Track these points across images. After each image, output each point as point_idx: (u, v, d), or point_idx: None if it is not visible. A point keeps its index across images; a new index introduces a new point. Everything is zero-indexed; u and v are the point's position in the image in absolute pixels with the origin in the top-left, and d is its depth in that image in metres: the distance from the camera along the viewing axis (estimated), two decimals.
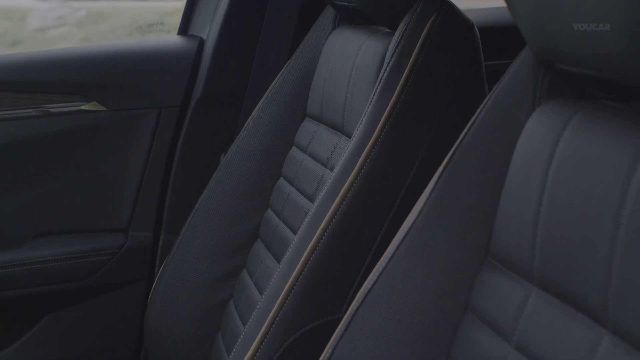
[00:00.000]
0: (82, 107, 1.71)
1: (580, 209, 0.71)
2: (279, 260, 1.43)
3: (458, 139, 0.92)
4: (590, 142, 0.72)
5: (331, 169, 1.37)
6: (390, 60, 1.24)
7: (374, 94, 1.24)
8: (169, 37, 1.97)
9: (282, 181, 1.56)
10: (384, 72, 1.24)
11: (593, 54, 0.68)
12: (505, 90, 0.89)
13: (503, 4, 0.83)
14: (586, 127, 0.74)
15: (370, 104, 1.24)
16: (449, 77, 1.25)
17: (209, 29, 1.83)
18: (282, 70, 1.61)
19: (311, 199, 1.41)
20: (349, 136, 1.36)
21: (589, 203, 0.70)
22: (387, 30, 1.39)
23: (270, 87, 1.61)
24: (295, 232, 1.36)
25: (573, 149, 0.74)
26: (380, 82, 1.24)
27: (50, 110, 1.69)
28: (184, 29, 1.94)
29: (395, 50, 1.24)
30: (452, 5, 1.26)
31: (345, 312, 1.05)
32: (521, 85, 0.87)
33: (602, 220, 0.68)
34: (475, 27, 1.28)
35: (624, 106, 0.75)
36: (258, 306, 1.24)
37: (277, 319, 1.19)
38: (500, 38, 1.48)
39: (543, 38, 0.75)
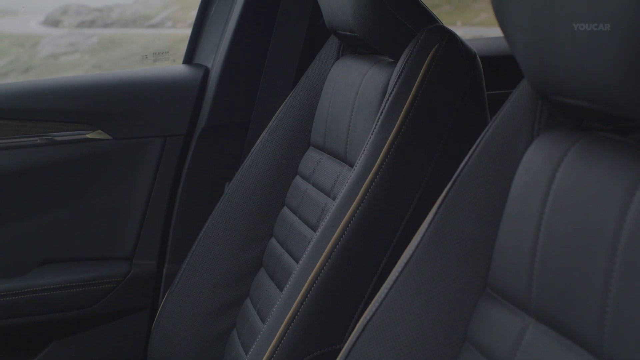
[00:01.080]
0: (87, 136, 1.72)
1: (576, 240, 0.71)
2: (281, 290, 1.43)
3: (457, 170, 0.92)
4: (587, 174, 0.72)
5: (334, 199, 1.37)
6: (392, 90, 1.25)
7: (376, 124, 1.24)
8: (175, 66, 1.98)
9: (285, 210, 1.56)
10: (386, 102, 1.25)
11: (588, 86, 0.68)
12: (503, 122, 0.89)
13: None
14: (583, 158, 0.74)
15: (372, 134, 1.24)
16: (451, 107, 1.25)
17: (214, 58, 1.85)
18: (286, 100, 1.62)
19: (314, 228, 1.41)
20: (351, 166, 1.36)
21: (585, 235, 0.70)
22: (390, 59, 1.39)
23: (274, 116, 1.61)
24: (298, 262, 1.36)
25: (570, 180, 0.74)
26: (382, 112, 1.24)
27: (55, 138, 1.70)
28: (189, 58, 1.95)
29: (397, 81, 1.25)
30: (454, 36, 1.27)
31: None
32: (520, 116, 0.88)
33: (598, 252, 0.68)
34: (478, 56, 1.28)
35: (621, 138, 0.74)
36: (259, 336, 1.24)
37: (277, 349, 1.19)
38: (504, 67, 1.48)
39: (540, 70, 0.76)
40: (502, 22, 0.80)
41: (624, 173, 0.68)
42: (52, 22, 4.54)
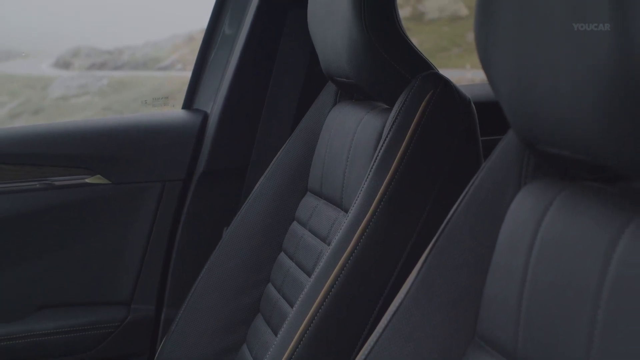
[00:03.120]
0: (86, 180, 1.73)
1: (561, 291, 0.70)
2: (277, 335, 1.42)
3: (446, 218, 0.92)
4: (572, 224, 0.72)
5: (329, 245, 1.37)
6: (386, 136, 1.25)
7: (370, 170, 1.25)
8: (174, 111, 2.00)
9: (282, 255, 1.56)
10: (380, 149, 1.25)
11: (570, 136, 0.68)
12: (491, 170, 0.89)
13: None
14: (568, 208, 0.74)
15: (366, 180, 1.24)
16: (446, 154, 1.26)
17: (213, 104, 1.86)
18: (284, 145, 1.63)
19: (310, 274, 1.40)
20: (347, 212, 1.36)
21: (569, 286, 0.69)
22: (386, 106, 1.40)
23: (272, 162, 1.62)
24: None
25: (555, 230, 0.74)
26: (376, 158, 1.25)
27: (54, 183, 1.71)
28: (188, 103, 1.96)
29: (391, 127, 1.25)
30: (448, 83, 1.28)
31: None
32: (507, 164, 0.88)
33: (582, 303, 0.67)
34: (472, 103, 1.29)
35: (606, 187, 0.74)
36: None
37: None
38: (499, 113, 1.48)
39: (524, 119, 0.76)
40: (487, 70, 0.81)
41: (608, 223, 0.68)
42: (63, 64, 4.58)
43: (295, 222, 1.56)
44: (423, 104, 1.25)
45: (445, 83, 1.27)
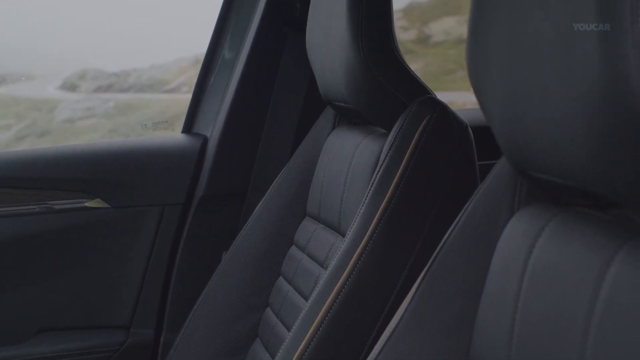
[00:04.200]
0: (86, 204, 1.73)
1: (552, 319, 0.70)
2: None
3: (440, 244, 0.91)
4: (562, 250, 0.71)
5: (327, 269, 1.37)
6: (383, 161, 1.25)
7: (367, 195, 1.24)
8: (173, 135, 2.00)
9: (281, 280, 1.56)
10: (377, 173, 1.25)
11: (560, 163, 0.68)
12: (485, 195, 0.89)
13: None
14: (560, 234, 0.73)
15: (363, 205, 1.24)
16: (442, 179, 1.26)
17: (213, 128, 1.86)
18: (283, 169, 1.63)
19: (307, 299, 1.40)
20: (345, 236, 1.36)
21: (560, 313, 0.69)
22: (384, 130, 1.40)
23: (271, 186, 1.62)
24: None
25: (546, 256, 0.73)
26: (373, 183, 1.25)
27: (54, 206, 1.71)
28: (188, 127, 1.97)
29: (388, 152, 1.25)
30: (445, 107, 1.28)
31: None
32: (501, 190, 0.87)
33: (572, 331, 0.67)
34: (469, 128, 1.29)
35: (598, 213, 0.74)
36: None
37: None
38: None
39: (515, 145, 0.76)
40: (479, 96, 0.81)
41: (599, 250, 0.67)
42: (69, 86, 4.59)
43: (293, 246, 1.56)
44: (420, 128, 1.25)
45: (442, 108, 1.27)
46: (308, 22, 1.51)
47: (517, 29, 0.69)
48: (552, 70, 0.64)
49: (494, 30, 0.74)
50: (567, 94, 0.63)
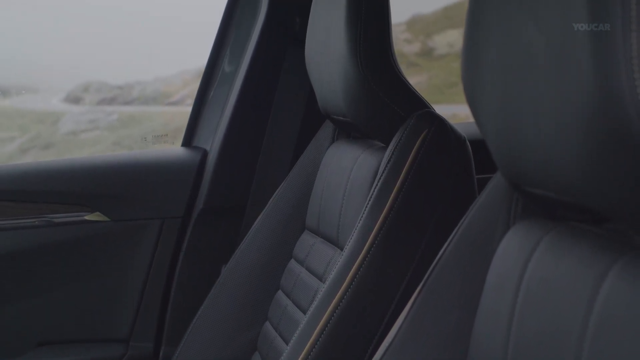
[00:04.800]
0: (85, 217, 1.73)
1: (546, 333, 0.70)
2: None
3: (436, 258, 0.91)
4: (557, 265, 0.71)
5: (325, 283, 1.36)
6: (381, 175, 1.25)
7: (365, 209, 1.24)
8: (173, 148, 2.00)
9: (280, 293, 1.56)
10: (375, 187, 1.25)
11: (554, 178, 0.68)
12: (481, 210, 0.89)
13: None
14: (555, 249, 0.73)
15: (361, 219, 1.24)
16: (440, 193, 1.25)
17: (212, 141, 1.86)
18: (282, 183, 1.63)
19: (306, 313, 1.39)
20: (343, 250, 1.35)
21: (554, 327, 0.69)
22: (383, 144, 1.40)
23: (271, 199, 1.62)
24: None
25: (541, 271, 0.73)
26: (371, 196, 1.24)
27: (54, 220, 1.71)
28: (188, 141, 1.97)
29: (386, 166, 1.25)
30: (443, 122, 1.28)
31: None
32: (496, 204, 0.87)
33: (567, 345, 0.66)
34: (467, 142, 1.29)
35: (593, 228, 0.74)
36: None
37: None
38: None
39: (509, 160, 0.76)
40: (473, 110, 0.81)
41: (592, 264, 0.67)
42: (73, 99, 4.60)
43: (292, 260, 1.56)
44: (418, 142, 1.25)
45: (440, 122, 1.27)
46: (307, 37, 1.51)
47: (511, 43, 0.69)
48: (546, 85, 0.64)
49: (488, 45, 0.74)
50: (561, 109, 0.62)
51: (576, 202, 0.68)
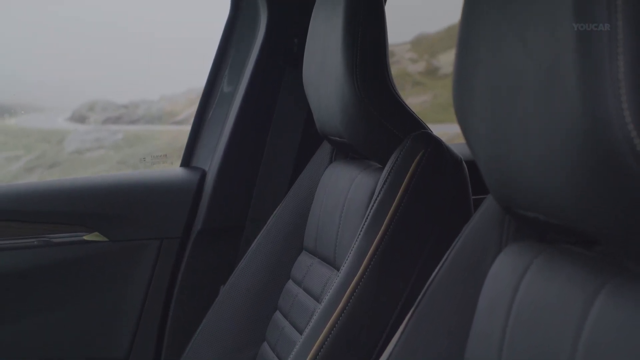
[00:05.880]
0: (84, 238, 1.73)
1: (536, 356, 0.69)
2: None
3: (427, 282, 0.91)
4: (547, 287, 0.71)
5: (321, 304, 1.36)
6: (377, 196, 1.25)
7: (361, 230, 1.24)
8: (172, 169, 2.00)
9: (277, 314, 1.55)
10: (371, 209, 1.24)
11: (544, 201, 0.68)
12: (473, 232, 0.89)
13: None
14: (545, 271, 0.73)
15: (357, 240, 1.24)
16: (437, 214, 1.25)
17: (211, 161, 1.86)
18: (280, 203, 1.63)
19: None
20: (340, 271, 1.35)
21: (544, 350, 0.68)
22: (380, 165, 1.40)
23: (269, 220, 1.62)
24: None
25: (532, 293, 0.73)
26: (367, 217, 1.24)
27: (53, 240, 1.71)
28: (186, 161, 1.97)
29: (382, 187, 1.25)
30: (439, 143, 1.27)
31: None
32: (489, 227, 0.87)
33: None
34: (464, 163, 1.28)
35: (583, 250, 0.74)
36: None
37: None
38: None
39: (500, 183, 0.75)
40: (465, 134, 0.81)
41: (581, 287, 0.67)
42: (79, 118, 4.61)
43: (290, 281, 1.56)
44: (414, 164, 1.24)
45: (437, 143, 1.27)
46: (305, 58, 1.51)
47: (500, 68, 0.69)
48: (535, 109, 0.64)
49: (478, 70, 0.74)
50: (550, 133, 0.62)
51: (566, 225, 0.68)
